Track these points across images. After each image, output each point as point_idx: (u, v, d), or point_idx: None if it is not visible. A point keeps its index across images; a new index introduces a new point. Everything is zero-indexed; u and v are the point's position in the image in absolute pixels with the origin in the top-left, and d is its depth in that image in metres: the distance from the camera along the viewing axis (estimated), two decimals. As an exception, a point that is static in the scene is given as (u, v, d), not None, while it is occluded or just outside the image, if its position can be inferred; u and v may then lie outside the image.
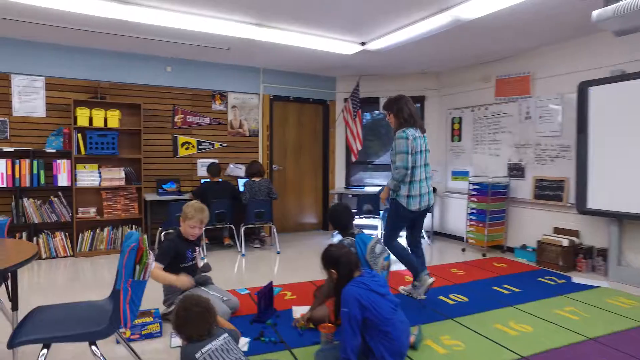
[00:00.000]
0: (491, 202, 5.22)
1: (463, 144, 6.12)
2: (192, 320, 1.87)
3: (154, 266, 2.81)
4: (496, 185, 5.28)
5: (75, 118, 4.76)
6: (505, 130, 5.47)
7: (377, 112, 6.80)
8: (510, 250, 5.37)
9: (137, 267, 1.91)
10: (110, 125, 4.93)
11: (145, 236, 2.02)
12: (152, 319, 2.72)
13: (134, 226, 5.16)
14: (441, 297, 3.62)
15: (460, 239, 6.04)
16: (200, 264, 3.22)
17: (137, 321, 2.67)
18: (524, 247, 5.15)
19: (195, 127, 5.75)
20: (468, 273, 4.42)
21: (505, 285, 3.96)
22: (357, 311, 2.16)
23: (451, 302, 3.48)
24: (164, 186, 5.29)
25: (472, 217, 5.45)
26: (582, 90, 4.38)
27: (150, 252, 1.98)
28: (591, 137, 4.34)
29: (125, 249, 1.87)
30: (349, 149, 6.78)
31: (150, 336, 2.69)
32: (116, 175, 5.03)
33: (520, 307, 3.37)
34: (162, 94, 5.49)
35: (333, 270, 2.39)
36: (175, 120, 5.60)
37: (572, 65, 4.69)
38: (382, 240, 3.31)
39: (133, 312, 1.89)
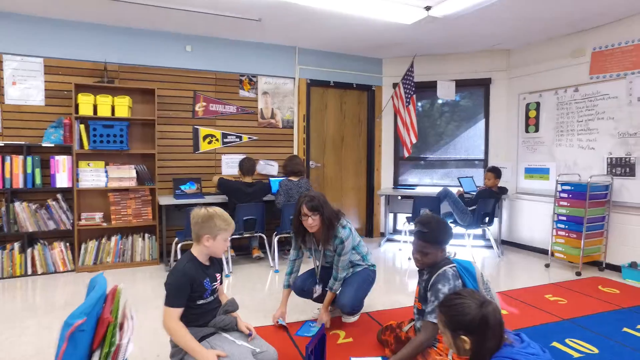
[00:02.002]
0: (590, 207, 4.09)
1: (541, 135, 4.99)
2: None
3: (167, 314, 1.96)
4: (595, 186, 4.15)
5: (76, 106, 3.95)
6: (605, 116, 4.32)
7: (437, 100, 5.75)
8: (612, 268, 4.22)
9: (95, 356, 1.00)
10: (118, 114, 4.11)
11: (120, 288, 1.10)
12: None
13: (146, 235, 4.32)
14: (556, 345, 2.57)
15: (538, 250, 4.93)
16: (223, 297, 2.30)
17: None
18: (634, 265, 4.00)
19: (220, 117, 4.86)
20: (571, 302, 3.33)
21: None
22: None
23: (576, 355, 2.43)
24: (182, 187, 4.43)
25: (562, 226, 4.33)
26: None
27: (128, 322, 1.06)
28: None
29: (66, 326, 0.96)
30: (398, 143, 5.75)
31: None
32: (126, 175, 4.21)
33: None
34: (180, 77, 4.64)
35: (464, 338, 1.41)
36: (196, 109, 4.73)
37: None
38: None
39: None
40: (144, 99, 4.38)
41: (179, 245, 3.95)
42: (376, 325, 2.80)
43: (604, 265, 4.30)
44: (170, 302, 1.96)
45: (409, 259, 4.72)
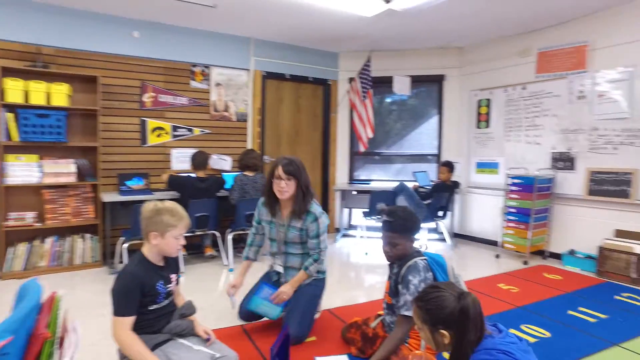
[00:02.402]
0: (537, 199, 4.28)
1: (492, 131, 5.17)
2: None
3: (117, 324, 1.75)
4: (541, 179, 4.35)
5: (2, 92, 3.54)
6: (549, 113, 4.54)
7: (391, 96, 5.78)
8: (555, 256, 4.46)
9: None
10: (55, 103, 3.73)
11: (59, 295, 0.93)
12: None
13: (87, 235, 3.97)
14: (513, 331, 2.62)
15: (488, 242, 5.11)
16: (179, 299, 2.12)
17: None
18: (572, 253, 4.25)
19: (170, 108, 4.58)
20: (522, 289, 3.47)
21: (582, 309, 3.03)
22: None
23: (532, 340, 2.51)
24: (128, 183, 4.12)
25: (511, 218, 4.51)
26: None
27: (70, 337, 0.90)
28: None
29: None
30: (353, 138, 5.74)
31: None
32: (64, 170, 3.84)
33: (631, 347, 2.44)
34: (126, 65, 4.30)
35: (444, 332, 1.35)
36: (144, 99, 4.42)
37: (644, 30, 3.78)
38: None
39: None
40: (86, 88, 4.01)
41: (126, 245, 3.66)
42: (339, 323, 2.73)
43: (547, 254, 4.53)
44: (119, 311, 1.75)
45: (366, 253, 4.72)
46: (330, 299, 3.21)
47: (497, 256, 4.63)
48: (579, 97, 4.25)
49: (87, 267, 3.92)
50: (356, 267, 4.29)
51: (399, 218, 2.02)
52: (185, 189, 3.96)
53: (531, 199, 4.27)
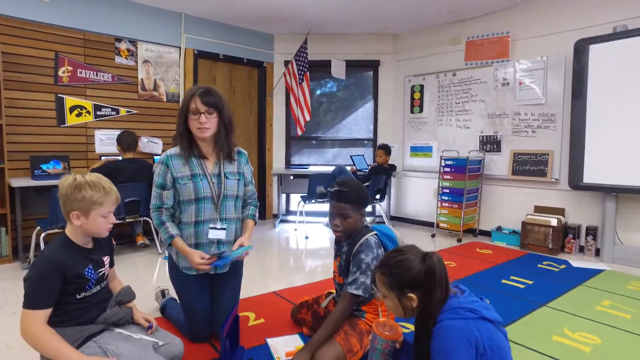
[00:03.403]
0: (468, 179, 4.53)
1: (425, 116, 5.38)
2: None
3: (27, 318, 1.49)
4: (472, 161, 4.61)
5: None
6: (477, 99, 4.82)
7: (327, 80, 5.76)
8: (484, 233, 4.78)
9: None
10: (-54, 72, 3.18)
11: None
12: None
13: (-6, 226, 3.47)
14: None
15: (423, 223, 5.33)
16: (116, 283, 1.90)
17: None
18: (499, 229, 4.57)
19: (91, 85, 4.13)
20: (458, 264, 3.66)
21: (513, 277, 3.26)
22: None
23: (473, 308, 2.63)
24: (45, 167, 3.65)
25: (445, 198, 4.73)
26: (580, 49, 3.81)
27: None
28: (590, 103, 3.80)
29: None
30: (290, 122, 5.66)
31: None
32: (-39, 151, 3.30)
33: (554, 306, 2.67)
34: (36, 33, 3.79)
35: (412, 295, 1.33)
36: (60, 74, 3.94)
37: (560, 24, 4.13)
38: None
39: None
40: (-16, 56, 3.47)
41: (42, 236, 3.24)
42: (286, 304, 2.65)
43: (477, 232, 4.83)
44: (30, 302, 1.49)
45: (306, 237, 4.68)
46: (275, 282, 3.13)
47: (433, 236, 4.84)
48: (503, 84, 4.55)
49: (-6, 263, 3.42)
50: (297, 251, 4.22)
51: (352, 188, 1.93)
52: (112, 173, 3.60)
53: (463, 179, 4.51)
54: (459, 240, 4.54)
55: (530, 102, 4.34)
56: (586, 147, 3.83)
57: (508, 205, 4.60)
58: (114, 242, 3.87)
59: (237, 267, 2.18)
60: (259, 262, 3.72)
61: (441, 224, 4.77)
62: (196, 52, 4.88)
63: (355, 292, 1.82)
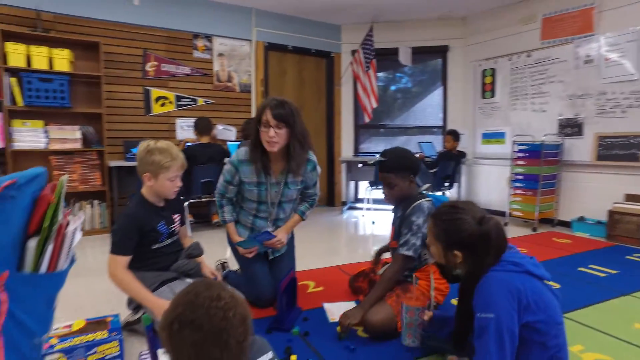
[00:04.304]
0: (544, 165, 4.24)
1: (497, 101, 5.12)
2: (203, 346, 0.82)
3: (112, 262, 1.77)
4: (548, 145, 4.31)
5: (4, 55, 3.51)
6: (555, 79, 4.48)
7: (395, 69, 5.73)
8: (563, 224, 4.43)
9: (31, 243, 0.84)
10: (58, 68, 3.71)
11: (64, 179, 0.93)
12: (106, 335, 1.62)
13: (95, 202, 3.98)
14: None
15: (495, 212, 5.04)
16: (187, 241, 2.12)
17: (81, 339, 1.57)
18: (582, 219, 4.21)
19: (173, 78, 4.56)
20: (531, 251, 3.44)
21: (592, 266, 3.00)
22: (513, 316, 1.16)
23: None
24: (134, 150, 4.10)
25: (519, 185, 4.48)
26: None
27: (68, 210, 0.90)
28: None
29: None
30: (358, 111, 5.70)
31: (103, 364, 1.59)
32: (70, 136, 3.84)
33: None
34: (128, 33, 4.27)
35: (457, 253, 1.33)
36: (147, 68, 4.40)
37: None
38: None
39: (18, 355, 0.82)
40: (87, 55, 3.98)
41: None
42: (346, 276, 2.72)
43: (556, 222, 4.50)
44: (115, 249, 1.77)
45: (373, 222, 4.71)
46: (337, 258, 3.22)
47: (505, 224, 4.60)
48: (586, 62, 4.19)
49: (96, 233, 3.93)
50: (363, 235, 4.28)
51: (391, 157, 1.95)
52: (195, 158, 3.93)
53: (538, 165, 4.23)
54: (534, 230, 4.27)
55: (620, 79, 3.94)
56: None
57: (592, 194, 4.22)
58: (192, 219, 4.25)
59: (289, 242, 2.36)
60: (324, 241, 3.84)
61: (514, 212, 4.52)
62: (266, 45, 5.14)
63: (406, 252, 1.84)
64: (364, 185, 5.67)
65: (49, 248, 0.85)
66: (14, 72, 3.56)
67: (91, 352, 1.55)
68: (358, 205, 5.71)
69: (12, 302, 0.78)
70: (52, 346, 1.52)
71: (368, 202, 5.30)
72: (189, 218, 4.07)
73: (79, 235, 0.94)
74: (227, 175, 2.15)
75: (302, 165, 2.07)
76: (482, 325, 1.20)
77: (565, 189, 4.45)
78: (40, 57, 3.62)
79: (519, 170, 4.46)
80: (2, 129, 3.53)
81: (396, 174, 1.95)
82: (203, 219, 4.48)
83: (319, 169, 2.25)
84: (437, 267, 1.99)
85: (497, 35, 5.05)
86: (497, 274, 1.23)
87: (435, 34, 5.48)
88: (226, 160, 2.22)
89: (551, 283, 1.35)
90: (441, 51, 5.53)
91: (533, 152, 4.31)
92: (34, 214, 0.84)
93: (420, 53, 5.48)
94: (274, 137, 1.93)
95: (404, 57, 5.34)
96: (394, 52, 5.32)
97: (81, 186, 3.90)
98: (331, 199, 5.84)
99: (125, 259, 1.78)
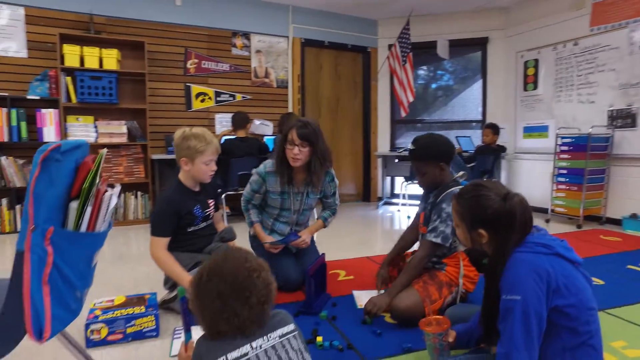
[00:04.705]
0: (590, 159, 4.03)
1: (540, 93, 4.91)
2: (227, 298, 0.89)
3: (153, 243, 1.89)
4: (596, 138, 4.08)
5: (62, 57, 3.79)
6: (605, 68, 4.24)
7: (432, 63, 5.63)
8: (613, 221, 4.18)
9: (73, 204, 0.92)
10: (106, 67, 3.95)
11: (104, 151, 1.02)
12: (143, 309, 1.73)
13: (139, 193, 4.21)
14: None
15: (537, 209, 4.84)
16: (220, 226, 2.21)
17: (121, 312, 1.68)
18: (634, 216, 3.96)
19: (212, 74, 4.72)
20: (576, 247, 3.25)
21: (642, 264, 2.83)
22: (541, 298, 1.12)
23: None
24: (175, 144, 4.30)
25: (562, 179, 4.28)
26: None
27: (105, 178, 0.97)
28: None
29: (39, 152, 0.89)
30: (394, 106, 5.65)
31: (140, 336, 1.70)
32: (117, 130, 4.08)
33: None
34: (170, 33, 4.47)
35: (482, 232, 1.31)
36: (188, 66, 4.58)
37: None
38: None
39: (62, 304, 0.90)
40: (133, 54, 4.22)
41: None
42: (377, 266, 2.71)
43: (604, 219, 4.26)
44: (155, 231, 1.89)
45: (408, 217, 4.66)
46: (369, 250, 3.22)
47: (547, 221, 4.41)
48: (640, 48, 3.93)
49: (139, 223, 4.16)
50: (397, 228, 4.25)
51: (420, 145, 1.93)
52: (232, 151, 4.06)
53: (584, 158, 4.02)
54: (579, 227, 4.06)
55: (676, 66, 3.68)
56: None
57: (644, 189, 3.97)
58: (229, 211, 4.38)
59: (311, 243, 2.49)
60: (357, 233, 3.85)
61: (557, 209, 4.32)
62: (303, 41, 5.20)
63: (434, 239, 1.82)
64: (400, 180, 5.62)
65: (88, 210, 0.94)
66: (69, 71, 3.84)
67: (130, 324, 1.66)
68: (394, 200, 5.67)
69: (56, 255, 0.88)
70: (96, 317, 1.65)
71: (404, 198, 5.25)
72: (225, 210, 4.20)
73: (114, 200, 1.03)
74: (254, 185, 2.34)
75: (321, 179, 2.30)
76: (507, 307, 1.17)
77: (615, 185, 4.21)
78: (92, 57, 3.88)
79: (563, 164, 4.26)
80: (59, 125, 3.81)
81: (425, 161, 1.94)
82: (239, 212, 4.59)
83: (336, 180, 2.45)
84: (467, 254, 1.97)
85: (540, 24, 4.85)
86: (525, 255, 1.20)
87: (475, 25, 5.33)
88: (254, 171, 2.37)
89: (594, 279, 1.29)
90: (481, 43, 5.37)
91: (578, 146, 4.11)
92: (76, 178, 0.93)
93: (458, 46, 5.35)
94: (298, 154, 2.15)
95: (442, 50, 5.23)
96: (431, 45, 5.23)
97: (126, 178, 4.13)
98: (367, 195, 5.83)
99: (164, 240, 1.89)
